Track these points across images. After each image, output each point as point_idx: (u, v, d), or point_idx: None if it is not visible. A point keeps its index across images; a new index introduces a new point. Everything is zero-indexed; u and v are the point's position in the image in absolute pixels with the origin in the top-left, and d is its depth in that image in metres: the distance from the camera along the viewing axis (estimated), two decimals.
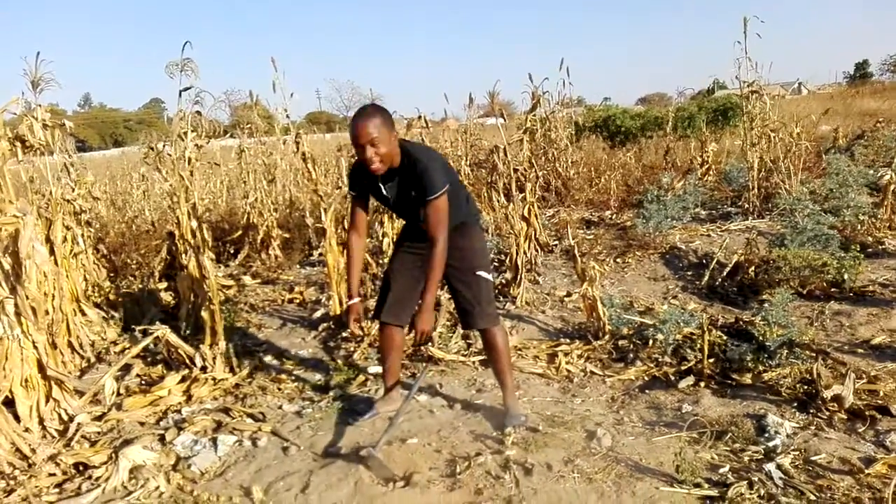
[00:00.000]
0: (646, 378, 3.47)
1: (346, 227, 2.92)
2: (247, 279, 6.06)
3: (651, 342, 3.73)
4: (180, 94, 3.81)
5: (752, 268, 4.92)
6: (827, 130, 12.77)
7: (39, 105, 4.05)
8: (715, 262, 5.20)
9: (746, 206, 7.41)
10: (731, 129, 13.50)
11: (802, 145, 8.01)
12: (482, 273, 2.86)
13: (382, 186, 2.77)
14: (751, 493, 2.33)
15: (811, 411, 2.91)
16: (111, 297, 5.05)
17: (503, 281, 5.10)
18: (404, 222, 3.06)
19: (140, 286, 5.23)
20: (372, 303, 4.48)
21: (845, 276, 4.58)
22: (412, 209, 2.78)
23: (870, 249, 5.46)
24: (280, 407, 3.35)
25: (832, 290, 4.61)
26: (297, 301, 5.38)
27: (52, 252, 4.06)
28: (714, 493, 2.35)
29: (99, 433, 3.05)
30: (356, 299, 2.86)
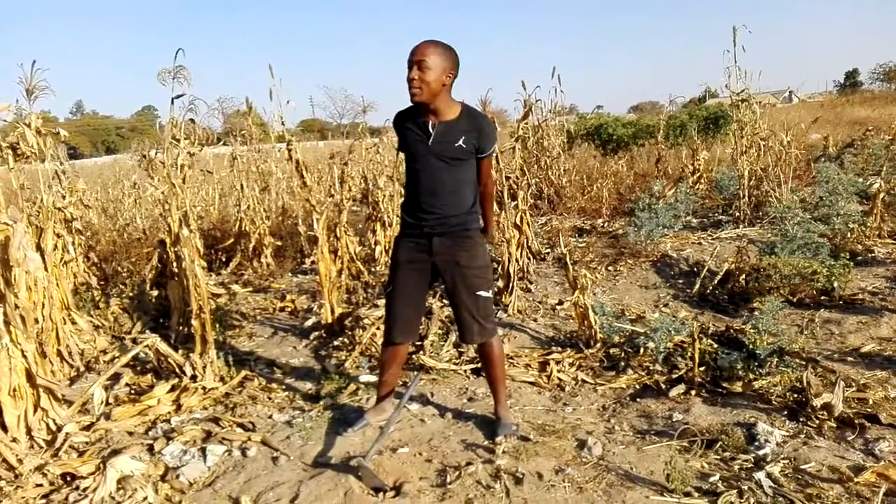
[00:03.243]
0: (637, 386, 3.47)
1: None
2: (238, 287, 6.04)
3: (642, 350, 3.73)
4: (172, 102, 3.81)
5: (743, 276, 4.94)
6: (817, 139, 12.88)
7: (32, 112, 4.04)
8: (706, 270, 5.23)
9: (737, 214, 7.45)
10: (722, 137, 13.59)
11: (792, 153, 8.06)
12: (483, 293, 2.86)
13: (429, 125, 2.67)
14: (741, 502, 2.34)
15: (801, 419, 2.93)
16: (101, 305, 5.03)
17: (495, 289, 5.10)
18: (408, 194, 2.86)
19: (131, 294, 5.21)
20: (363, 310, 4.51)
21: (835, 285, 4.61)
22: (446, 154, 2.68)
23: (859, 257, 5.50)
24: (270, 416, 3.33)
25: (822, 298, 4.63)
26: (289, 309, 5.36)
27: (42, 260, 4.04)
28: (704, 501, 2.36)
29: (87, 443, 3.03)
30: None
